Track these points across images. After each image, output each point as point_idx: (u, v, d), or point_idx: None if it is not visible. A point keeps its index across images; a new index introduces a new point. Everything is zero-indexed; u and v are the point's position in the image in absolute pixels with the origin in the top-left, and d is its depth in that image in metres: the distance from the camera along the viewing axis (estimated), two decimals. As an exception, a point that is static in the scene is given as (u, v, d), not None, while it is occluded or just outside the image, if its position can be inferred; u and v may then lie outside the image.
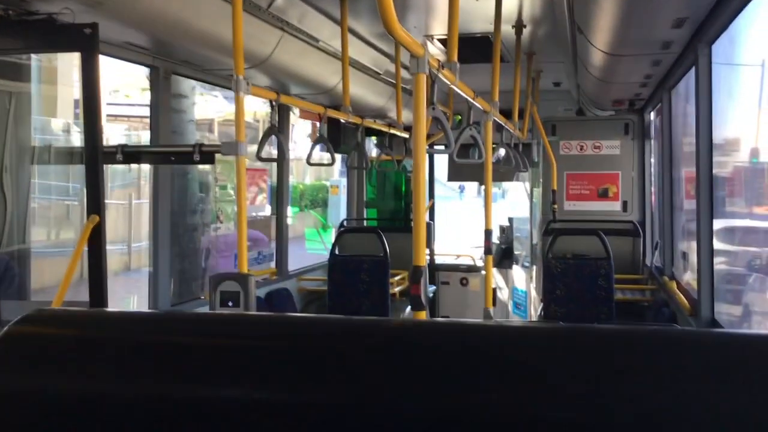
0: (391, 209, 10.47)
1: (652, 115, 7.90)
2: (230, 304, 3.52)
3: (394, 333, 0.75)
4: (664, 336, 0.73)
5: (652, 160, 8.07)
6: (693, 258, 5.16)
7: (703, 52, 4.36)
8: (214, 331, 0.77)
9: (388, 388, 0.70)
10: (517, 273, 9.53)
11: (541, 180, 8.62)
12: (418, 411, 0.69)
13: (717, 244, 4.66)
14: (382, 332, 0.76)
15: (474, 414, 0.68)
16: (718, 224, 4.65)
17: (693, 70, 4.62)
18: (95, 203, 3.53)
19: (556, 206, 7.95)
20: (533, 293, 8.72)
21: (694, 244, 4.87)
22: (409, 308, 4.22)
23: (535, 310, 8.45)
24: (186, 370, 0.72)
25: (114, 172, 14.13)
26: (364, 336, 0.74)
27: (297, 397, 0.70)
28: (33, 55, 4.59)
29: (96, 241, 3.51)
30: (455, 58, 3.79)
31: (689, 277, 5.77)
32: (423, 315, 3.04)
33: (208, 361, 0.72)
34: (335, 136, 7.50)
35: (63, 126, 9.83)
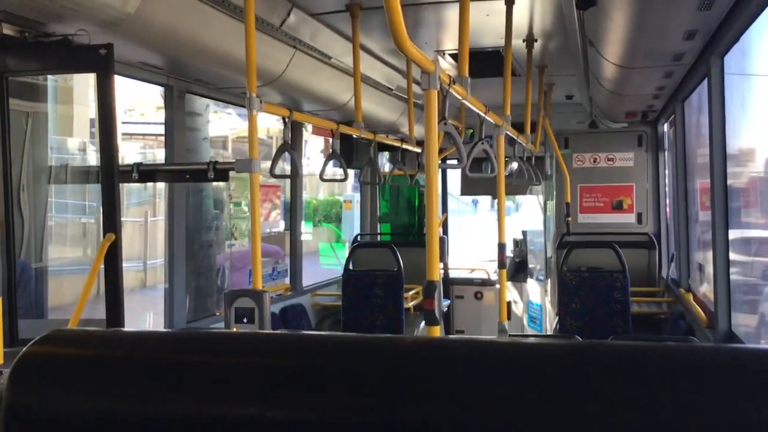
0: (404, 224, 10.48)
1: (666, 126, 7.87)
2: (245, 320, 3.54)
3: (408, 351, 0.76)
4: (685, 351, 0.73)
5: (667, 171, 8.04)
6: (709, 269, 5.13)
7: (716, 63, 4.35)
8: (230, 350, 0.78)
9: (403, 406, 0.71)
10: (532, 286, 9.50)
11: (554, 193, 8.60)
12: (433, 429, 0.69)
13: (733, 255, 4.63)
14: (396, 350, 0.76)
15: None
16: (733, 235, 4.62)
17: (705, 81, 4.61)
18: (111, 222, 3.57)
19: (570, 219, 7.93)
20: (548, 306, 8.68)
21: (710, 256, 4.84)
22: (423, 323, 4.21)
23: (550, 324, 8.41)
24: (202, 389, 0.73)
25: (130, 190, 14.24)
26: (379, 354, 0.75)
27: (312, 415, 0.71)
28: (49, 76, 4.65)
29: (112, 258, 3.54)
30: (466, 73, 3.81)
31: (706, 289, 5.73)
32: (437, 330, 3.04)
33: (224, 380, 0.73)
34: (348, 152, 7.53)
35: (79, 145, 9.93)
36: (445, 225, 9.39)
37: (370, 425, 0.70)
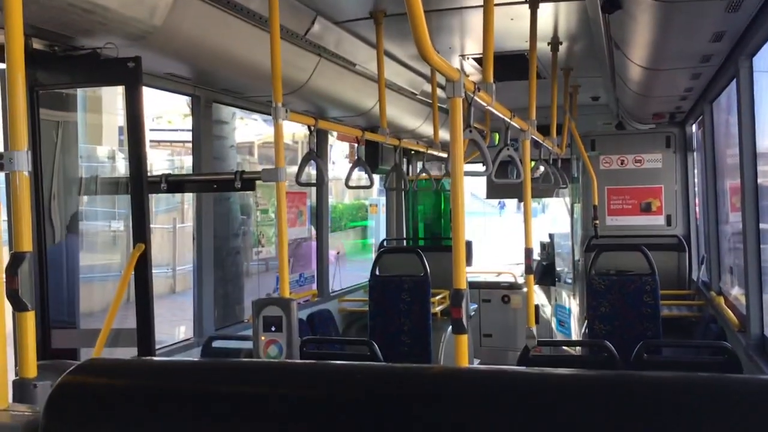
0: (431, 228, 10.48)
1: (694, 127, 7.78)
2: (273, 329, 3.56)
3: (434, 382, 0.76)
4: (715, 384, 0.72)
5: (696, 172, 7.94)
6: (740, 272, 5.06)
7: (744, 64, 4.29)
8: (259, 380, 0.79)
9: None
10: (560, 290, 9.43)
11: (581, 195, 8.54)
12: None
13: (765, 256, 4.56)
14: (423, 380, 0.76)
15: None
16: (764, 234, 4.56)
17: (734, 81, 4.55)
18: (141, 232, 3.61)
19: (597, 222, 7.86)
20: (576, 310, 8.61)
21: (740, 258, 4.77)
22: (450, 328, 4.20)
23: (579, 328, 8.34)
24: (232, 419, 0.74)
25: (158, 198, 14.39)
26: (406, 384, 0.75)
27: None
28: (79, 88, 4.72)
29: (142, 268, 3.59)
30: (491, 79, 3.80)
31: (737, 292, 5.65)
32: (465, 338, 3.03)
33: (254, 410, 0.74)
34: (373, 157, 7.54)
35: (108, 153, 10.06)
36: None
37: None
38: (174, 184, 4.46)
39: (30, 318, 2.21)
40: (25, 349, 2.17)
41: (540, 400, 0.71)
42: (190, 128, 5.24)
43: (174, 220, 15.11)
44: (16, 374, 2.27)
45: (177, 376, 0.81)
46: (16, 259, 2.17)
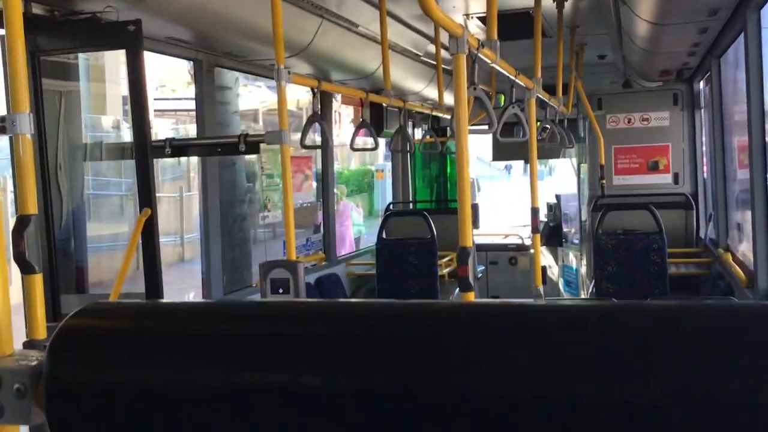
0: (438, 191, 10.46)
1: (702, 84, 7.70)
2: (281, 291, 3.58)
3: (442, 315, 0.76)
4: (725, 310, 0.71)
5: (703, 130, 7.88)
6: (748, 228, 5.04)
7: (752, 17, 4.23)
8: (265, 318, 0.79)
9: (440, 371, 0.71)
10: (567, 250, 9.44)
11: (588, 155, 8.49)
12: (470, 393, 0.69)
13: None
14: (430, 315, 0.76)
15: (531, 398, 0.68)
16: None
17: (742, 36, 4.49)
18: (147, 196, 3.62)
19: (604, 181, 7.82)
20: (584, 270, 8.63)
21: (748, 215, 4.75)
22: (458, 290, 4.22)
23: (586, 288, 8.37)
24: (238, 358, 0.74)
25: (164, 166, 14.39)
26: (413, 319, 0.75)
27: (346, 381, 0.72)
28: (80, 55, 4.69)
29: (149, 233, 3.60)
30: (495, 36, 3.75)
31: (745, 248, 5.64)
32: (472, 296, 3.05)
33: (259, 348, 0.74)
34: (378, 120, 7.50)
35: (113, 123, 10.03)
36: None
37: (407, 391, 0.71)
38: (178, 148, 4.45)
39: (38, 280, 2.23)
40: (34, 311, 2.19)
41: (550, 331, 0.71)
42: (194, 96, 5.21)
43: (180, 188, 15.13)
44: (27, 336, 2.30)
45: (183, 317, 0.81)
46: (22, 221, 2.18)
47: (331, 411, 0.71)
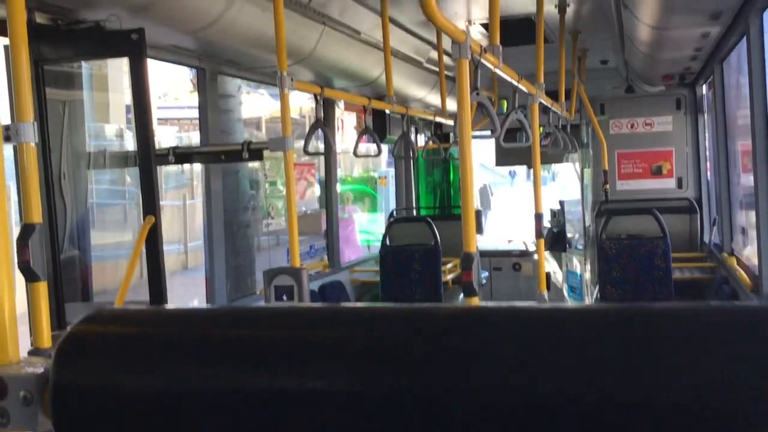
0: (441, 198, 10.46)
1: (705, 88, 7.69)
2: (284, 297, 3.58)
3: (446, 319, 0.75)
4: (729, 311, 0.71)
5: (707, 134, 7.87)
6: (752, 232, 5.03)
7: (754, 21, 4.22)
8: (269, 324, 0.79)
9: (444, 375, 0.70)
10: (571, 256, 9.42)
11: (591, 160, 8.49)
12: (476, 397, 0.69)
13: None
14: (434, 319, 0.76)
15: (536, 399, 0.68)
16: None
17: (744, 40, 4.48)
18: (150, 204, 3.62)
19: (608, 186, 7.81)
20: (588, 276, 8.61)
21: (753, 219, 4.74)
22: (462, 295, 4.21)
23: (590, 293, 8.35)
24: (242, 363, 0.74)
25: (167, 174, 14.41)
26: (417, 323, 0.75)
27: (352, 385, 0.72)
28: (84, 64, 4.71)
29: (153, 241, 3.60)
30: (498, 41, 3.76)
31: (749, 252, 5.63)
32: (476, 301, 3.04)
33: (264, 354, 0.74)
34: (381, 127, 7.51)
35: (116, 131, 10.05)
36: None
37: (413, 395, 0.70)
38: (182, 155, 4.46)
39: (43, 289, 2.23)
40: (39, 320, 2.19)
41: (553, 332, 0.70)
42: (197, 104, 5.22)
43: (184, 196, 15.14)
44: (32, 345, 2.30)
45: (189, 322, 0.81)
46: (26, 229, 2.19)
47: (338, 415, 0.70)
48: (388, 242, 7.15)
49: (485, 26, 5.98)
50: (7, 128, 2.20)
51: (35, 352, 2.19)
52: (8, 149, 2.50)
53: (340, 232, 8.08)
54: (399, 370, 0.71)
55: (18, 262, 2.19)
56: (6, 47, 3.21)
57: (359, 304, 0.75)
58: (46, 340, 2.19)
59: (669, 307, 0.72)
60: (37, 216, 2.20)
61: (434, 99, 7.55)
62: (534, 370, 0.68)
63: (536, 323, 0.73)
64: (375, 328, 0.74)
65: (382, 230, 7.87)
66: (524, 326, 0.72)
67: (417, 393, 0.70)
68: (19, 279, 2.33)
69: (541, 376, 0.68)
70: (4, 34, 2.59)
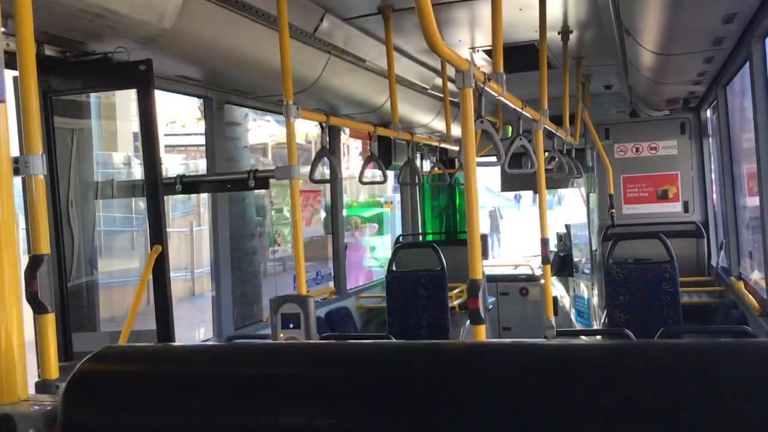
0: (447, 223, 10.47)
1: (709, 112, 7.71)
2: (291, 325, 3.58)
3: (453, 357, 0.76)
4: (736, 348, 0.71)
5: (712, 158, 7.88)
6: (760, 256, 5.01)
7: (756, 46, 4.25)
8: (276, 361, 0.79)
9: (451, 412, 0.71)
10: (578, 280, 9.39)
11: (597, 185, 8.49)
12: None
13: None
14: (441, 356, 0.76)
15: None
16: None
17: (747, 64, 4.51)
18: (158, 233, 3.64)
19: (614, 211, 7.81)
20: (595, 300, 8.57)
21: (760, 242, 4.73)
22: (468, 322, 4.20)
23: (598, 318, 8.30)
24: (250, 401, 0.75)
25: (175, 201, 14.48)
26: (424, 361, 0.75)
27: (359, 423, 0.72)
28: (92, 93, 4.76)
29: (160, 269, 3.62)
30: (501, 69, 3.79)
31: (757, 277, 5.60)
32: (483, 329, 3.03)
33: (272, 391, 0.75)
34: (386, 153, 7.54)
35: (124, 159, 10.13)
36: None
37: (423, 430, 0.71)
38: (189, 184, 4.48)
39: (50, 320, 2.24)
40: (46, 351, 2.19)
41: (561, 370, 0.71)
42: (204, 132, 5.27)
43: (191, 223, 15.19)
44: (39, 376, 2.30)
45: (195, 360, 0.82)
46: (35, 261, 2.20)
47: None
48: (394, 268, 7.15)
49: (489, 53, 6.03)
50: (16, 160, 2.22)
51: (42, 383, 2.19)
52: (16, 178, 2.53)
53: (352, 255, 8.08)
54: (406, 409, 0.71)
55: (26, 294, 2.20)
56: (15, 79, 3.25)
57: (365, 342, 0.75)
58: (54, 371, 2.19)
59: (682, 344, 0.73)
60: (45, 247, 2.22)
61: (439, 125, 7.59)
62: (539, 408, 0.68)
63: (540, 361, 0.73)
64: (382, 366, 0.75)
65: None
66: (525, 366, 0.72)
67: (426, 429, 0.70)
68: (27, 306, 2.34)
69: (547, 413, 0.68)
70: (14, 67, 2.62)
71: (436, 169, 7.86)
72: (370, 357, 0.78)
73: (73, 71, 3.65)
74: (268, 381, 0.76)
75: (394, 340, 4.91)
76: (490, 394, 0.71)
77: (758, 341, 0.78)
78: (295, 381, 0.75)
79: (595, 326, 8.43)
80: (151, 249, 3.63)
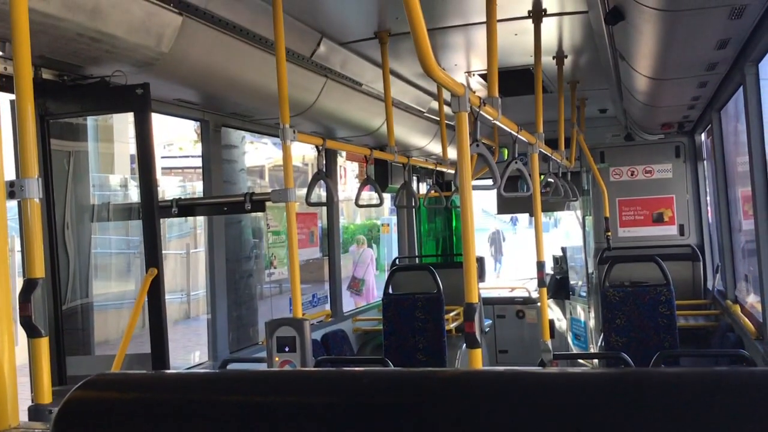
0: (443, 246, 10.47)
1: (703, 136, 7.76)
2: (287, 349, 3.56)
3: (447, 384, 0.76)
4: (732, 377, 0.71)
5: (707, 181, 7.91)
6: (756, 280, 5.01)
7: (750, 71, 4.28)
8: (269, 389, 0.79)
9: None
10: (575, 303, 9.38)
11: (592, 208, 8.51)
12: None
13: None
14: (435, 383, 0.76)
15: None
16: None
17: (741, 89, 4.54)
18: (153, 257, 3.63)
19: (609, 233, 7.82)
20: (592, 323, 8.56)
21: (755, 265, 4.73)
22: (465, 345, 4.19)
23: (595, 341, 8.28)
24: (244, 429, 0.75)
25: (171, 223, 14.45)
26: (419, 388, 0.75)
27: None
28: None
29: (155, 293, 3.60)
30: (497, 93, 3.81)
31: (753, 300, 5.60)
32: (479, 353, 3.02)
33: (265, 419, 0.74)
34: (383, 176, 7.56)
35: (120, 181, 10.11)
36: None
37: None
38: (185, 207, 4.48)
39: (44, 344, 2.22)
40: (39, 376, 2.18)
41: (556, 399, 0.71)
42: (200, 154, 5.28)
43: (187, 245, 15.16)
44: (33, 401, 2.28)
45: (187, 388, 0.81)
46: (29, 285, 2.19)
47: None
48: (390, 290, 7.14)
49: (484, 77, 6.07)
50: (11, 184, 2.22)
51: (35, 408, 2.17)
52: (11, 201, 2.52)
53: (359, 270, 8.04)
54: None
55: (20, 318, 2.19)
56: (12, 101, 3.27)
57: (359, 369, 0.76)
58: (47, 396, 2.17)
59: (679, 373, 0.72)
60: (39, 271, 2.21)
61: (435, 147, 7.61)
62: None
63: (536, 390, 0.73)
64: (376, 394, 0.75)
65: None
66: (519, 395, 0.72)
67: None
68: (21, 330, 2.33)
69: None
70: (11, 91, 2.63)
71: (433, 191, 7.88)
72: (365, 384, 0.78)
73: (71, 95, 3.66)
74: (262, 409, 0.76)
75: (390, 364, 4.89)
76: (486, 423, 0.71)
77: (756, 370, 0.78)
78: (289, 409, 0.75)
79: (592, 349, 8.41)
80: (146, 272, 3.62)
